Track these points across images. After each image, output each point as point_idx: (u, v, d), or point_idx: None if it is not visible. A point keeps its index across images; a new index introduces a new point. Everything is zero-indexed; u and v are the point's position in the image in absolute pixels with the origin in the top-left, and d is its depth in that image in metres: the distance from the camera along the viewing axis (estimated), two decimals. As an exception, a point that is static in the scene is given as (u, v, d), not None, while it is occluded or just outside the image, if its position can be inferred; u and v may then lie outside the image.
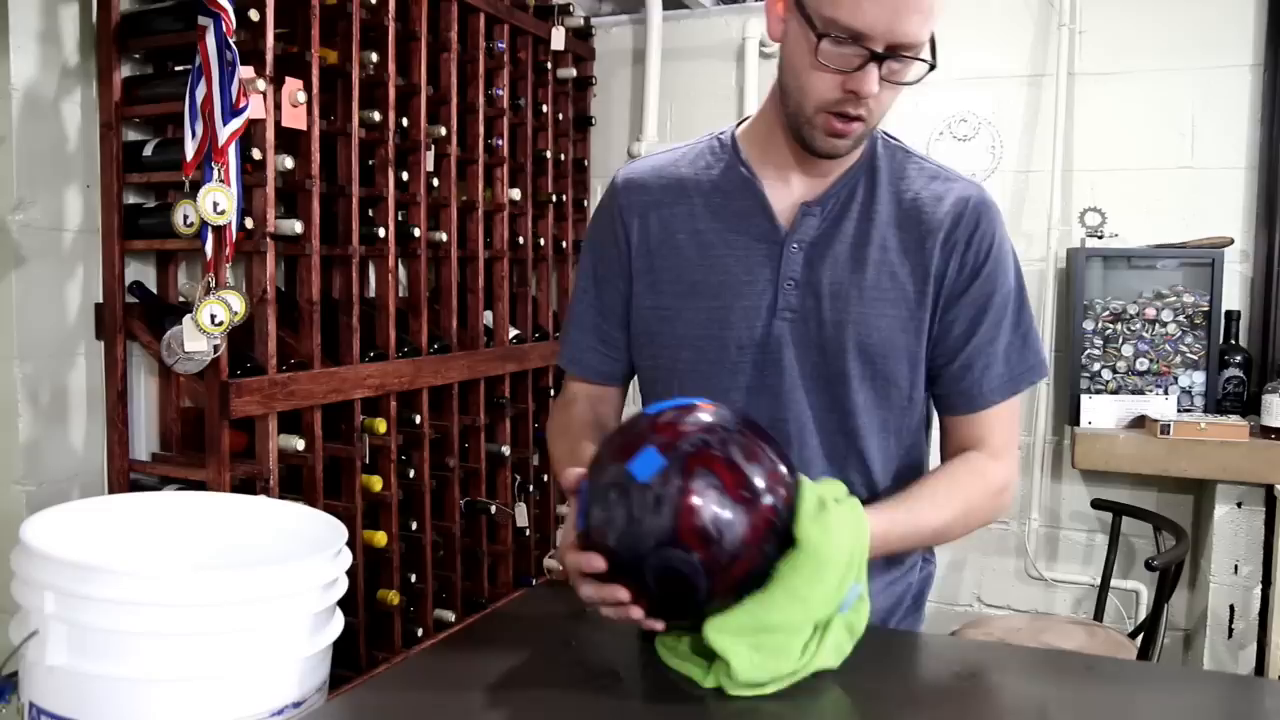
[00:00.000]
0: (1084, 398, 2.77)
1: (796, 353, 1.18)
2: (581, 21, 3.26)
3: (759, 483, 0.96)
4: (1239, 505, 2.66)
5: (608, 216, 1.28)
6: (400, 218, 2.53)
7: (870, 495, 1.21)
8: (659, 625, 1.01)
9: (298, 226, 2.12)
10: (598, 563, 0.97)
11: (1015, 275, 1.22)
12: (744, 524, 0.95)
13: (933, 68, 1.08)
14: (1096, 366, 2.83)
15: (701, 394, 1.15)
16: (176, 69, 2.13)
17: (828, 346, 1.17)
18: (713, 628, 0.97)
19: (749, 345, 1.18)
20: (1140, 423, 2.72)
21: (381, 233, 2.37)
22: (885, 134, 1.24)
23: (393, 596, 2.40)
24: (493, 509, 2.78)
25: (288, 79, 2.08)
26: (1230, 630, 2.68)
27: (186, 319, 1.89)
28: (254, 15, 1.99)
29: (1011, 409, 1.23)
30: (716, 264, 1.20)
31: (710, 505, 0.94)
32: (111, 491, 2.10)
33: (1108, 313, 2.82)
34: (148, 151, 2.07)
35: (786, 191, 1.20)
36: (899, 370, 1.19)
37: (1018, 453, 1.28)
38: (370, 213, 2.42)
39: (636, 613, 0.99)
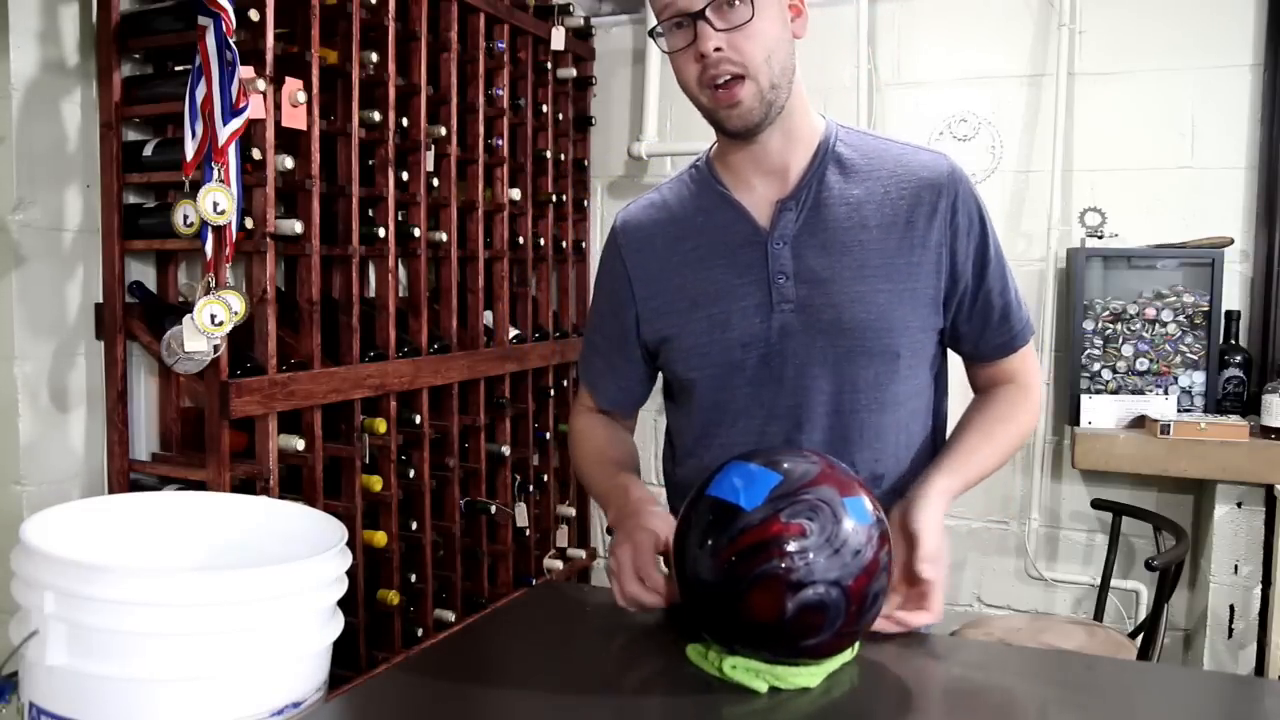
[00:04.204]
0: (1084, 398, 2.77)
1: (801, 340, 1.23)
2: (581, 21, 3.26)
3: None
4: (1239, 505, 2.66)
5: (611, 256, 1.37)
6: (400, 218, 2.53)
7: (877, 471, 1.25)
8: (658, 602, 1.04)
9: (298, 226, 2.12)
10: None
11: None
12: (881, 601, 1.00)
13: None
14: (1096, 366, 2.83)
15: (716, 392, 1.25)
16: (176, 69, 2.13)
17: (830, 330, 1.22)
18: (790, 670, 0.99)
19: (753, 342, 1.24)
20: (1140, 423, 2.72)
21: (381, 233, 2.37)
22: (840, 124, 1.30)
23: (393, 596, 2.40)
24: (493, 509, 2.78)
25: (288, 79, 2.08)
26: (1230, 630, 2.68)
27: (186, 319, 1.89)
28: (254, 15, 1.99)
29: (1031, 349, 1.33)
30: (709, 274, 1.27)
31: (881, 578, 0.99)
32: (111, 491, 2.10)
33: (1108, 313, 2.82)
34: (148, 151, 2.06)
35: (760, 196, 1.27)
36: (900, 342, 1.24)
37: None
38: (370, 213, 2.42)
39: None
